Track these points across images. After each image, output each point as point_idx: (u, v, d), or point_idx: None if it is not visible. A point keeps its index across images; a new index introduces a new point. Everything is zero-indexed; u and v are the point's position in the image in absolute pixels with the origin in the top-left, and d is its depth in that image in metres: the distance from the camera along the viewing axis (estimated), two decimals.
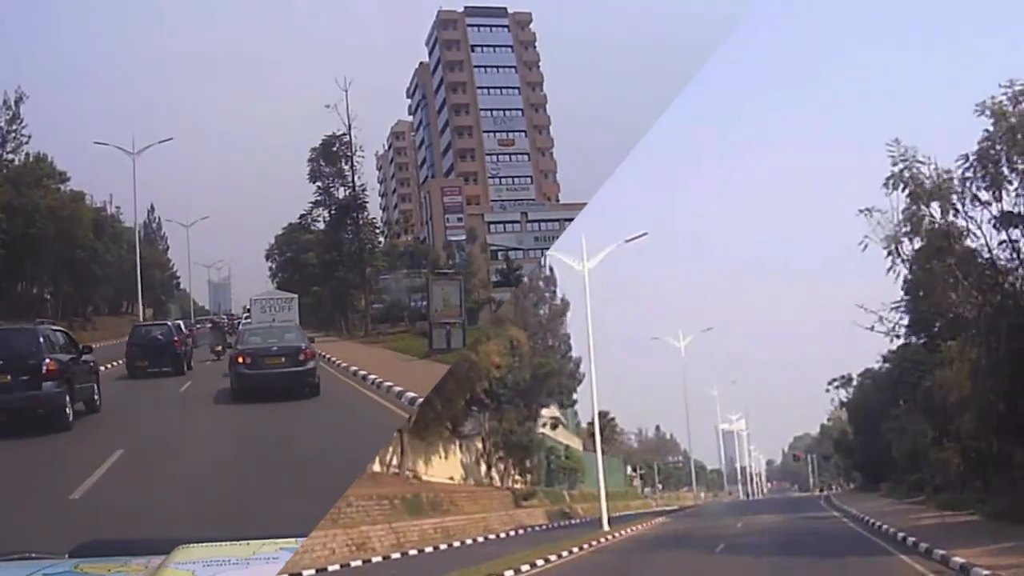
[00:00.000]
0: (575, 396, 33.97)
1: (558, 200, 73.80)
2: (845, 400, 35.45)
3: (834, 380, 34.72)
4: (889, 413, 31.31)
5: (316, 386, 24.92)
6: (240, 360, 24.91)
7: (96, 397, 22.20)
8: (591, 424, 39.25)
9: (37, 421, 18.58)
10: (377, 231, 71.53)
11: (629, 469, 40.41)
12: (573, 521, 28.19)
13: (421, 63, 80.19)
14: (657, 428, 43.33)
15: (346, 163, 66.11)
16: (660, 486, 42.40)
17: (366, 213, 69.45)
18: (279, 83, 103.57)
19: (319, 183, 66.77)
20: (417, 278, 68.08)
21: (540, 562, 16.00)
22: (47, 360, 18.97)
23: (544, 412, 32.23)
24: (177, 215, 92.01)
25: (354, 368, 32.08)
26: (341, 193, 66.71)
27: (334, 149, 65.61)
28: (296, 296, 56.50)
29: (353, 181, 66.81)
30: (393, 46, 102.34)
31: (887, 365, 32.19)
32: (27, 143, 59.58)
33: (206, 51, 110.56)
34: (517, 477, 27.81)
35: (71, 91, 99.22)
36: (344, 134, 65.35)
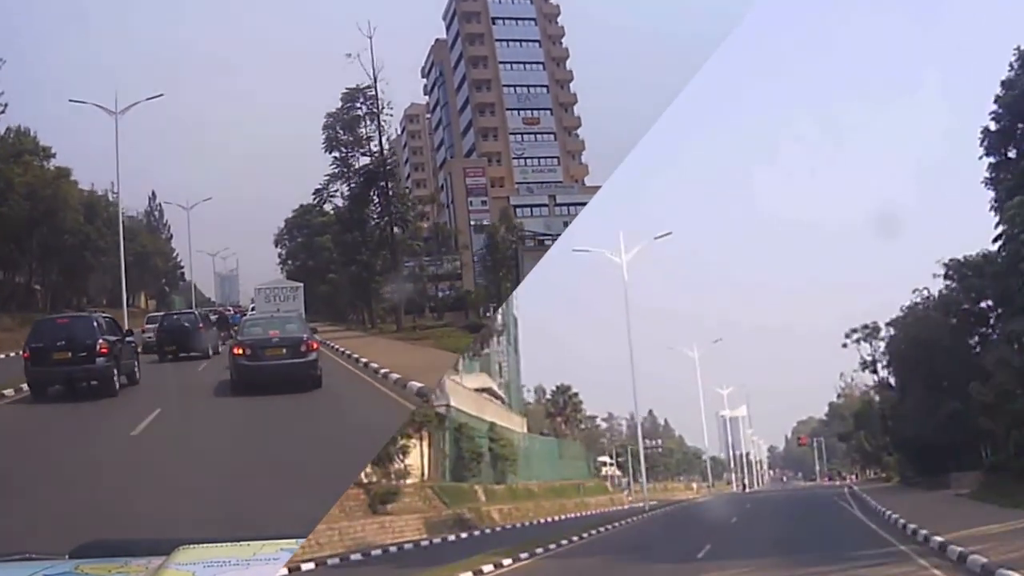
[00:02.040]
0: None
1: (583, 183, 73.41)
2: (870, 358, 29.38)
3: (854, 331, 29.17)
4: (968, 351, 22.87)
5: (318, 378, 25.50)
6: (239, 351, 25.39)
7: (136, 372, 28.22)
8: (549, 401, 36.88)
9: (90, 390, 24.61)
10: (410, 204, 65.50)
11: (605, 457, 37.87)
12: (447, 538, 19.88)
13: (437, 40, 79.72)
14: (650, 412, 41.03)
15: (371, 121, 60.93)
16: (642, 477, 37.50)
17: (396, 182, 63.99)
18: (281, 64, 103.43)
19: (336, 153, 61.64)
20: (440, 265, 66.64)
21: None
22: (100, 341, 24.75)
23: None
24: (177, 197, 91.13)
25: (418, 385, 25.61)
26: (363, 163, 61.41)
27: (357, 105, 60.67)
28: (301, 285, 55.65)
29: (381, 143, 61.81)
30: (405, 23, 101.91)
31: (949, 283, 24.01)
32: (3, 112, 56.81)
33: (206, 31, 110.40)
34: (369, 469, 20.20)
35: (56, 61, 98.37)
36: (368, 87, 60.26)
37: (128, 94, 56.27)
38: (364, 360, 33.58)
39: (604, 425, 38.81)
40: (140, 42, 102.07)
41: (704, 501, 35.09)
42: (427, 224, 74.79)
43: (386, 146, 62.54)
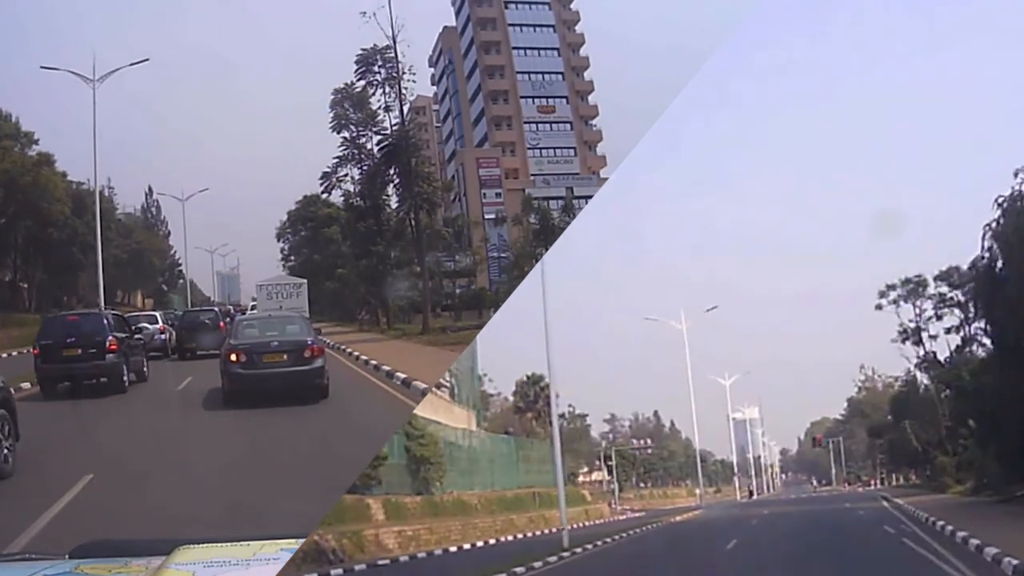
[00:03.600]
0: None
1: (600, 176, 72.99)
2: (913, 324, 24.16)
3: (891, 288, 24.00)
4: None
5: (325, 388, 23.63)
6: (234, 357, 23.20)
7: (145, 369, 29.36)
8: (518, 395, 30.99)
9: (99, 387, 25.50)
10: (437, 184, 60.05)
11: (597, 461, 34.58)
12: None
13: (445, 27, 79.56)
14: (655, 413, 38.54)
15: (390, 88, 56.96)
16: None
17: (420, 157, 58.45)
18: (279, 48, 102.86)
19: (346, 133, 58.30)
20: (454, 260, 64.50)
21: None
22: (110, 338, 25.85)
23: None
24: (172, 188, 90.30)
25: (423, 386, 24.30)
26: (379, 139, 57.29)
27: (375, 69, 56.83)
28: (305, 281, 54.25)
29: (402, 112, 57.77)
30: (408, 13, 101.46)
31: None
32: None
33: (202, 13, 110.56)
34: None
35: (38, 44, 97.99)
36: (387, 48, 56.19)
37: (122, 80, 55.59)
38: (400, 374, 28.44)
39: (607, 427, 37.23)
40: (138, 34, 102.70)
41: (697, 516, 28.66)
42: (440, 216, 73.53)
43: (407, 116, 58.14)
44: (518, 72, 74.58)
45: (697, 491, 35.81)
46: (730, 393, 34.82)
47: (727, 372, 33.73)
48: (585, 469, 34.31)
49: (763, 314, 34.02)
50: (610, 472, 34.24)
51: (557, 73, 74.81)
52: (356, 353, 36.92)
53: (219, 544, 3.54)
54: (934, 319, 24.77)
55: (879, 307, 24.42)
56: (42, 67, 54.78)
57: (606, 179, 70.28)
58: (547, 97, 74.50)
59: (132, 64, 54.07)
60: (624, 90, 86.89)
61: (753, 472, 38.88)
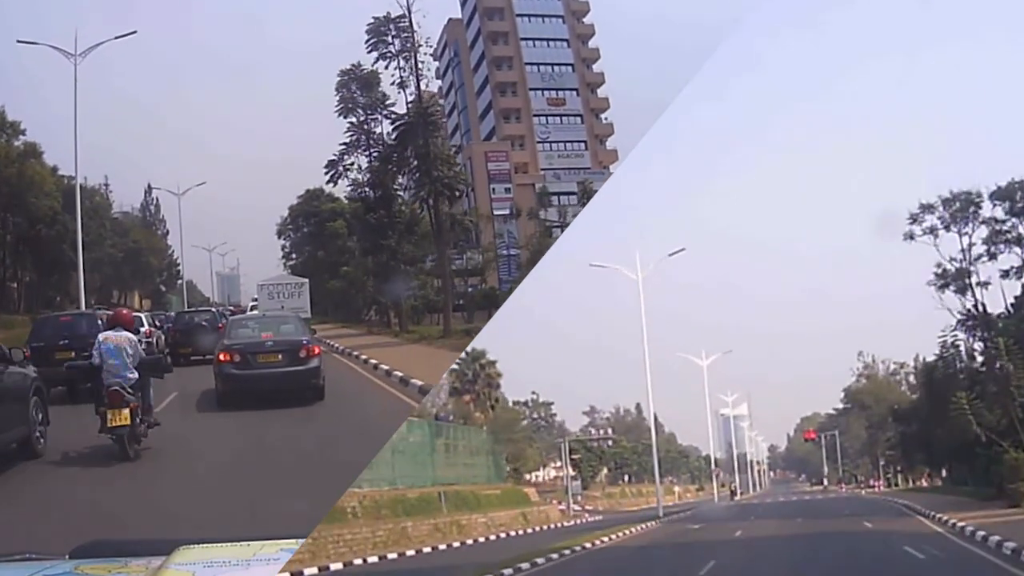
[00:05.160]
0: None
1: (610, 171, 72.70)
2: (960, 259, 18.69)
3: (928, 210, 18.62)
4: None
5: (320, 389, 23.65)
6: (226, 358, 23.36)
7: None
8: (455, 374, 28.53)
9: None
10: (457, 168, 56.91)
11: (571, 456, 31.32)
12: None
13: (450, 19, 79.37)
14: (637, 406, 35.49)
15: (405, 62, 54.10)
16: (617, 480, 33.57)
17: (439, 137, 55.79)
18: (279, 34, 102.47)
19: (352, 118, 56.10)
20: (461, 257, 62.44)
21: None
22: None
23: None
24: (169, 184, 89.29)
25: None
26: (396, 117, 54.80)
27: (389, 40, 54.00)
28: (307, 281, 53.35)
29: (418, 87, 54.89)
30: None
31: None
32: None
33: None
34: None
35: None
36: (401, 17, 53.46)
37: (118, 78, 55.39)
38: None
39: (586, 419, 35.74)
40: (135, 25, 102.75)
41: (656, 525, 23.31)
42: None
43: (423, 91, 55.91)
44: (526, 63, 74.34)
45: (676, 489, 33.20)
46: (718, 385, 32.72)
47: (704, 352, 31.04)
48: (557, 464, 32.08)
49: (753, 303, 33.29)
50: (575, 467, 31.53)
51: (567, 65, 74.64)
52: (373, 361, 34.77)
53: (219, 544, 3.67)
54: (985, 258, 19.89)
55: (910, 236, 19.30)
56: (19, 41, 53.23)
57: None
58: (556, 89, 74.29)
59: (117, 37, 52.31)
60: (635, 83, 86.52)
61: (736, 469, 36.53)
